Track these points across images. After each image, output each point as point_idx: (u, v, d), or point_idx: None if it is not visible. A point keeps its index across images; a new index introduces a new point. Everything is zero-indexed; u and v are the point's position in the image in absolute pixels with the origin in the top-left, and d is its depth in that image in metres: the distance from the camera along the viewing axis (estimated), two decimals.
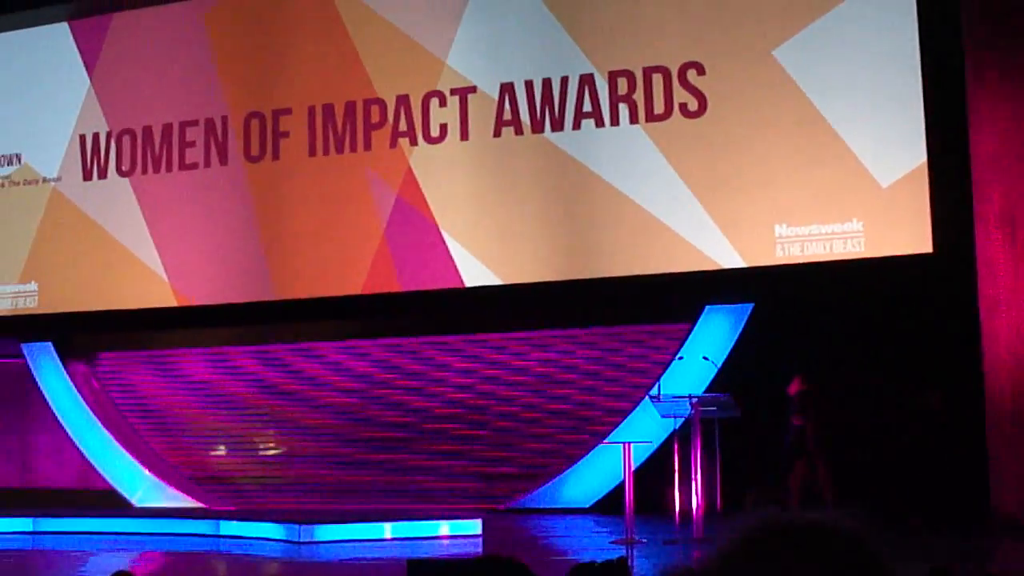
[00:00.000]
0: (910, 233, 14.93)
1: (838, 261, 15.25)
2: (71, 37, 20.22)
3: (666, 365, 15.99)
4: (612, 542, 12.84)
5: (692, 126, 16.34)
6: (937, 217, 14.70)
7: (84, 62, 20.10)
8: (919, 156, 14.93)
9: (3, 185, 20.47)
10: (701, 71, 16.32)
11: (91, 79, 20.02)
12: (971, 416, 13.42)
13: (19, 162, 20.44)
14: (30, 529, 15.76)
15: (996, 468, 13.19)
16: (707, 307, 16.29)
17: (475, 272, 17.34)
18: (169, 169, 19.35)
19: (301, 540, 13.87)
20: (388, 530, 14.34)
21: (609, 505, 15.84)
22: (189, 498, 18.73)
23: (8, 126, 20.54)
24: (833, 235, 15.39)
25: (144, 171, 19.52)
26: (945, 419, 14.05)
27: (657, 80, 16.58)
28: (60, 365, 20.10)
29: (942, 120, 14.55)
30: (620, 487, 13.87)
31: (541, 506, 16.90)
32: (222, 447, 19.38)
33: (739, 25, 16.14)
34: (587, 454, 16.72)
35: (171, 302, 19.03)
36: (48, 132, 20.19)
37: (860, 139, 15.33)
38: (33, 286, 20.08)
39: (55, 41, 20.34)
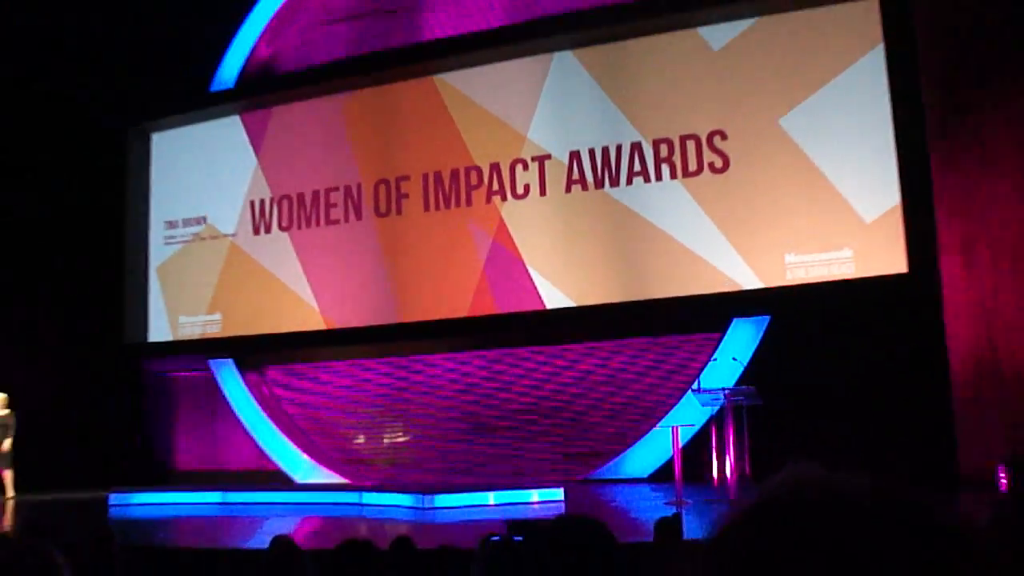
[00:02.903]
0: (889, 258, 14.95)
1: (835, 281, 15.34)
2: (242, 127, 20.66)
3: (704, 365, 15.94)
4: (665, 503, 12.75)
5: (719, 180, 16.47)
6: (910, 245, 14.73)
7: (252, 145, 20.53)
8: (895, 198, 14.98)
9: (193, 240, 20.98)
10: (724, 137, 16.45)
11: (258, 158, 20.44)
12: (939, 394, 13.50)
13: (205, 222, 20.86)
14: (219, 501, 15.82)
15: (961, 434, 13.27)
16: (734, 319, 16.20)
17: (553, 296, 17.53)
18: (318, 224, 19.72)
19: (425, 507, 13.76)
20: (491, 498, 14.26)
21: (662, 475, 15.76)
22: (338, 475, 18.85)
23: (197, 195, 20.94)
24: (830, 261, 15.48)
25: (299, 227, 19.89)
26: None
27: (690, 145, 16.71)
28: (238, 375, 20.34)
29: (911, 171, 14.58)
30: (670, 461, 13.86)
31: (609, 477, 16.82)
32: (362, 436, 19.42)
33: (752, 101, 16.19)
34: (644, 436, 16.66)
35: (320, 325, 19.38)
36: (226, 199, 20.62)
37: (848, 186, 15.42)
38: (217, 316, 20.51)
39: (230, 130, 20.74)
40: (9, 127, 19.74)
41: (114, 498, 15.48)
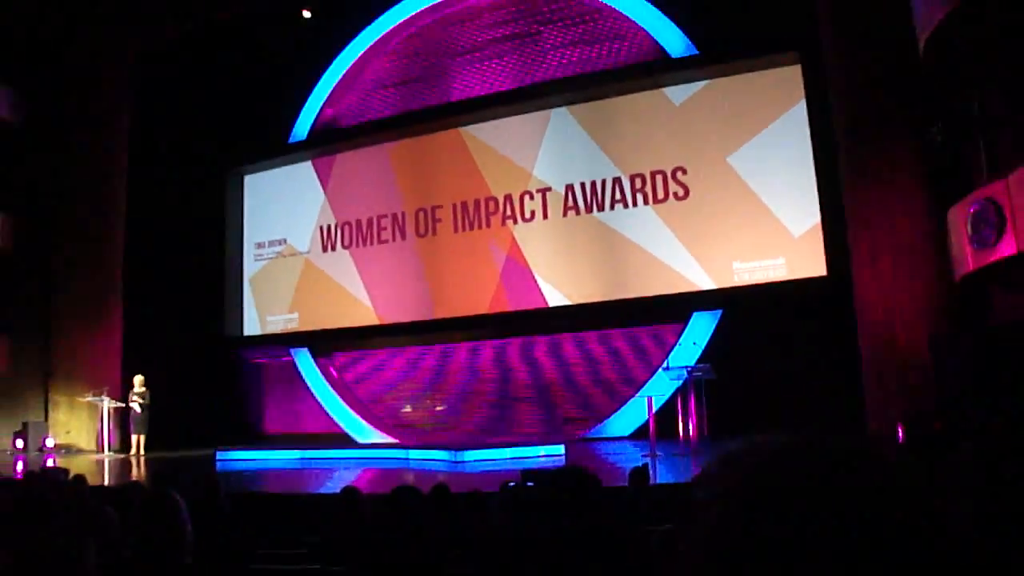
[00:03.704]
0: (813, 264, 15.06)
1: (771, 282, 15.46)
2: (313, 169, 20.72)
3: (671, 348, 15.90)
4: (642, 455, 12.82)
5: (681, 205, 16.49)
6: (828, 254, 14.84)
7: (320, 183, 20.56)
8: (816, 218, 15.11)
9: (277, 257, 21.07)
10: (684, 172, 16.48)
11: (325, 193, 20.47)
12: (852, 370, 13.53)
13: (286, 243, 20.93)
14: (298, 457, 15.88)
15: (868, 401, 13.31)
16: (694, 312, 16.22)
17: (555, 296, 17.56)
18: (372, 244, 19.74)
19: (457, 460, 13.66)
20: (508, 453, 14.15)
21: (640, 434, 15.74)
22: (390, 437, 18.82)
23: (279, 222, 21.00)
24: (768, 267, 15.54)
25: (357, 245, 19.93)
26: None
27: (659, 178, 16.75)
28: (312, 361, 20.40)
29: (828, 196, 14.63)
30: (646, 423, 13.83)
31: (599, 436, 16.81)
32: (408, 406, 19.40)
33: (706, 143, 16.22)
34: (626, 404, 16.64)
35: (374, 321, 19.41)
36: (301, 224, 20.66)
37: (781, 209, 15.47)
38: (296, 315, 20.56)
39: (304, 172, 20.81)
40: (142, 173, 19.91)
41: (219, 455, 15.53)
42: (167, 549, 3.19)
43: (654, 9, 17.15)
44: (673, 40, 16.96)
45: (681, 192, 16.54)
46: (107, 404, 17.41)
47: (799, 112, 15.51)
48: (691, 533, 0.87)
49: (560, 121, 17.85)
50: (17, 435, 18.63)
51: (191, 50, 20.25)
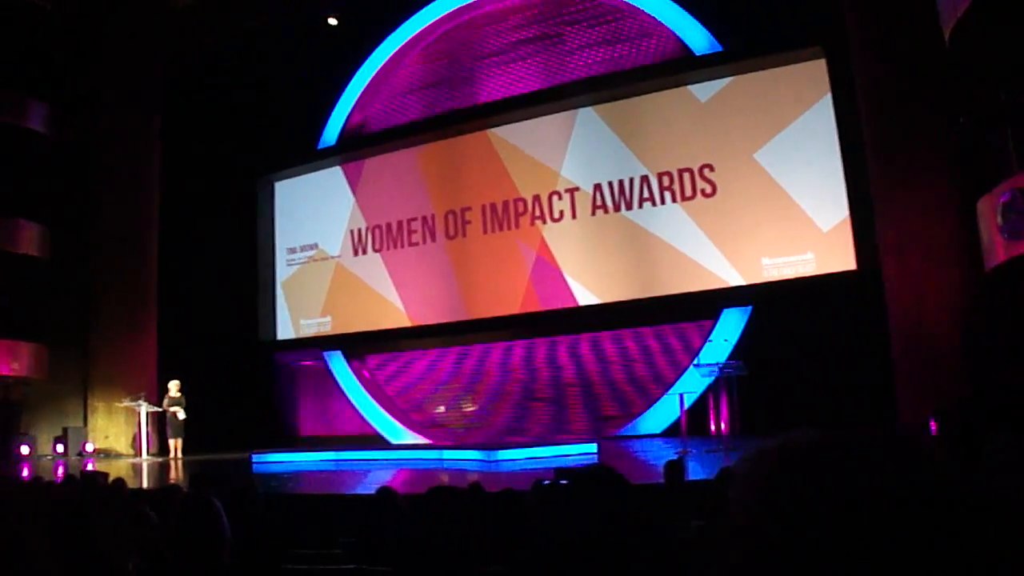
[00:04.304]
0: (842, 258, 14.98)
1: (800, 278, 15.39)
2: (342, 174, 20.85)
3: (702, 345, 15.85)
4: (675, 452, 12.82)
5: (709, 202, 16.48)
6: (857, 248, 14.77)
7: (350, 187, 20.70)
8: (844, 212, 15.05)
9: (308, 261, 21.20)
10: (712, 169, 16.46)
11: (355, 197, 20.60)
12: (882, 362, 13.43)
13: (317, 247, 21.09)
14: (333, 458, 15.89)
15: (899, 392, 13.21)
16: (724, 309, 16.17)
17: (584, 295, 17.58)
18: (402, 246, 19.83)
19: (491, 460, 13.47)
20: (541, 452, 14.04)
21: (671, 431, 15.74)
22: (423, 438, 18.90)
23: (310, 227, 21.17)
24: (796, 262, 15.48)
25: (388, 248, 20.02)
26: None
27: (686, 176, 16.73)
28: (345, 363, 20.48)
29: (856, 190, 14.57)
30: (678, 420, 13.88)
31: (631, 433, 16.78)
32: (441, 407, 19.44)
33: (732, 140, 16.19)
34: (657, 401, 16.66)
35: (406, 323, 19.50)
36: (332, 228, 20.81)
37: (808, 204, 15.42)
38: (328, 318, 20.69)
39: (334, 177, 20.95)
40: (174, 182, 20.16)
41: (255, 457, 15.60)
42: (207, 549, 3.22)
43: (677, 7, 17.17)
44: (697, 37, 16.96)
45: (709, 189, 16.52)
46: (144, 409, 17.61)
47: (825, 106, 15.44)
48: (729, 531, 0.86)
49: (587, 121, 17.86)
50: (57, 440, 19.02)
51: (220, 59, 20.45)
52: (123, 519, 3.91)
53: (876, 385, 13.61)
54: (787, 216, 15.63)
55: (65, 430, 19.23)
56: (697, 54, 16.99)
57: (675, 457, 8.20)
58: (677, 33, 17.28)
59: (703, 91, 16.74)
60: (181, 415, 17.21)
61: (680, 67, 17.08)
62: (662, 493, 7.47)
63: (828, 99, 15.44)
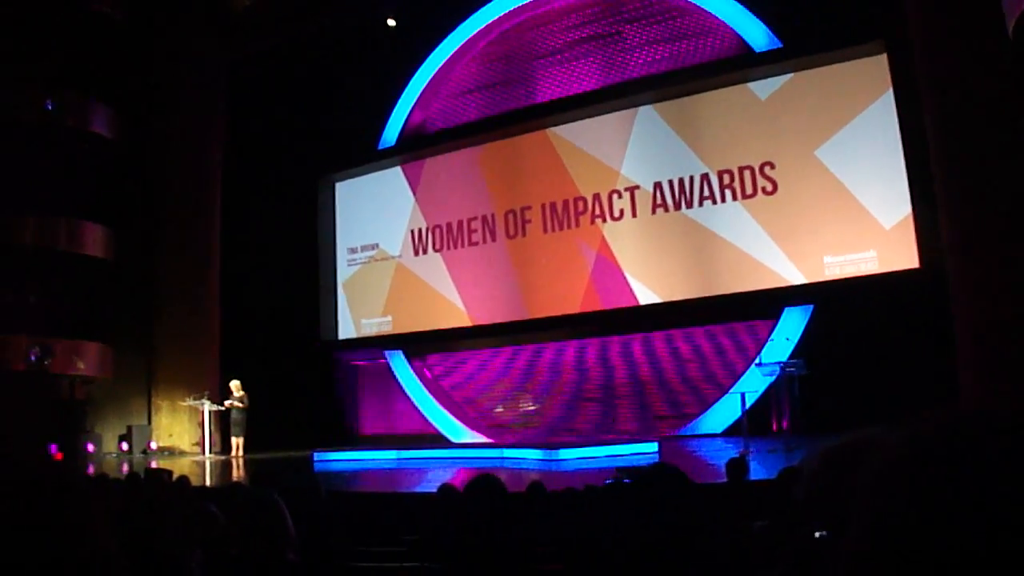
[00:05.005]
0: (905, 256, 14.86)
1: (863, 276, 15.28)
2: (402, 174, 21.04)
3: (763, 344, 15.85)
4: (738, 452, 12.75)
5: (770, 200, 16.41)
6: (921, 246, 14.63)
7: (410, 187, 20.88)
8: (907, 209, 14.89)
9: (369, 261, 21.38)
10: (772, 166, 16.40)
11: (415, 197, 20.78)
12: (947, 362, 13.18)
13: (378, 248, 21.29)
14: (394, 457, 16.02)
15: (964, 392, 12.97)
16: (785, 308, 16.04)
17: (645, 294, 17.57)
18: (463, 246, 19.98)
19: (551, 459, 13.67)
20: (602, 451, 14.13)
21: (732, 431, 15.65)
22: (484, 436, 18.91)
23: (370, 227, 21.40)
24: (859, 260, 15.37)
25: (448, 248, 20.18)
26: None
27: (747, 174, 16.68)
28: (406, 362, 20.65)
29: (919, 186, 14.36)
30: (739, 420, 13.85)
31: (692, 433, 16.79)
32: (501, 406, 19.53)
33: (793, 137, 16.14)
34: (718, 401, 16.52)
35: (467, 322, 19.64)
36: (393, 229, 21.01)
37: (871, 201, 15.30)
38: (389, 318, 20.87)
39: (394, 177, 21.14)
40: (236, 183, 20.48)
41: (317, 456, 15.74)
42: (271, 547, 3.25)
43: (737, 4, 17.11)
44: (756, 34, 16.87)
45: (769, 187, 16.43)
46: (207, 407, 17.88)
47: (887, 102, 15.30)
48: (852, 531, 0.84)
49: (646, 119, 17.86)
50: (122, 438, 19.41)
51: (281, 61, 20.74)
52: (187, 516, 3.96)
53: (940, 385, 13.38)
54: (849, 213, 15.53)
55: (129, 428, 19.67)
56: (757, 51, 16.93)
57: (737, 456, 8.13)
58: (736, 30, 17.23)
59: (763, 88, 16.68)
60: (238, 413, 17.45)
61: (740, 64, 17.05)
62: (724, 492, 7.43)
63: (889, 94, 15.30)
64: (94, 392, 19.88)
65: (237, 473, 14.78)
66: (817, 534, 1.34)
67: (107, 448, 19.67)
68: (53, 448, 17.30)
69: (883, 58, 15.41)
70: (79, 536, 0.96)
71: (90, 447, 19.10)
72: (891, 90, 15.26)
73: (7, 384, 17.74)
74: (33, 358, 17.95)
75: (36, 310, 19.48)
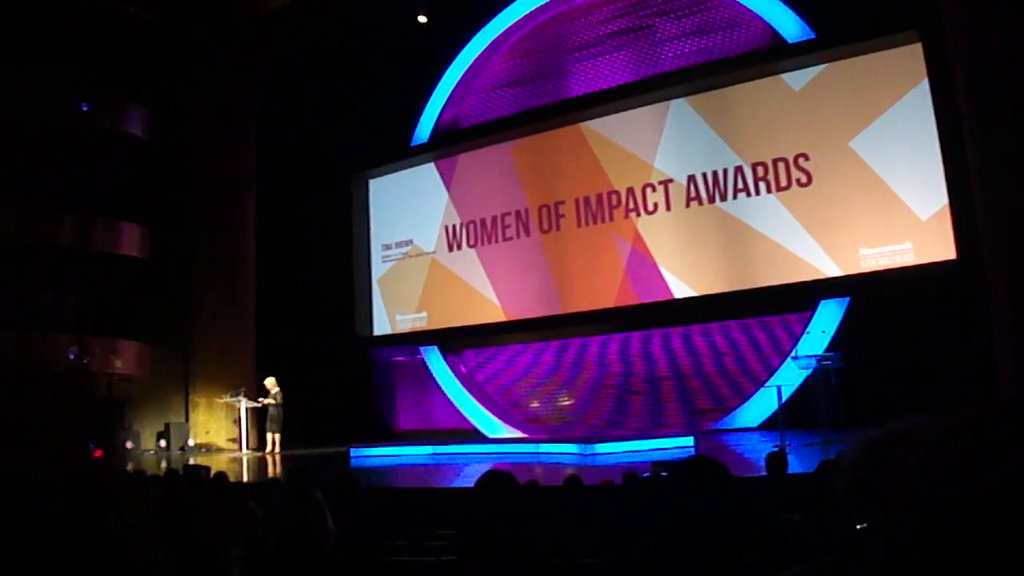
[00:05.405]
0: (941, 248, 14.74)
1: (899, 268, 15.15)
2: (435, 170, 21.14)
3: (799, 337, 15.64)
4: (773, 446, 12.71)
5: (804, 192, 16.32)
6: (958, 237, 14.51)
7: (444, 183, 20.98)
8: (943, 200, 14.76)
9: (403, 258, 21.45)
10: (807, 158, 16.31)
11: (448, 193, 20.89)
12: (985, 353, 13.06)
13: (412, 244, 21.39)
14: (430, 452, 16.15)
15: (1002, 384, 12.85)
16: (821, 301, 15.94)
17: (680, 288, 17.53)
18: (497, 241, 20.03)
19: (587, 453, 13.76)
20: (638, 445, 14.18)
21: (768, 425, 15.63)
22: (519, 431, 18.97)
23: (404, 223, 21.50)
24: (894, 252, 15.25)
25: (483, 243, 20.25)
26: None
27: (781, 166, 16.59)
28: (441, 358, 20.76)
29: (956, 177, 14.25)
30: (775, 413, 13.90)
31: (727, 427, 16.73)
32: (536, 400, 19.56)
33: (827, 128, 16.05)
34: (754, 394, 16.51)
35: (501, 317, 19.71)
36: (427, 224, 21.11)
37: (906, 192, 15.20)
38: (424, 314, 20.97)
39: (427, 173, 21.25)
40: (270, 180, 20.65)
41: (353, 451, 15.84)
42: (311, 541, 3.26)
43: None
44: (789, 25, 16.80)
45: (804, 179, 16.35)
46: (244, 404, 18.04)
47: (922, 92, 15.18)
48: (892, 523, 0.83)
49: (679, 112, 17.83)
50: (160, 435, 19.63)
51: (313, 59, 20.89)
52: (226, 511, 3.99)
53: (977, 378, 13.28)
54: (884, 205, 15.44)
55: (167, 426, 19.95)
56: (789, 42, 16.86)
57: (775, 449, 8.11)
58: (768, 21, 17.18)
59: (796, 79, 16.60)
60: (274, 410, 17.60)
61: (772, 56, 16.99)
62: (763, 485, 7.41)
63: (924, 84, 15.19)
64: (132, 390, 20.18)
65: (273, 469, 14.90)
66: (857, 526, 1.33)
67: (145, 445, 20.00)
68: (92, 446, 17.51)
69: (917, 48, 15.29)
70: (122, 532, 0.96)
71: (128, 444, 19.42)
72: (925, 80, 15.16)
73: (47, 383, 18.00)
74: (72, 357, 18.22)
75: (74, 310, 19.81)
